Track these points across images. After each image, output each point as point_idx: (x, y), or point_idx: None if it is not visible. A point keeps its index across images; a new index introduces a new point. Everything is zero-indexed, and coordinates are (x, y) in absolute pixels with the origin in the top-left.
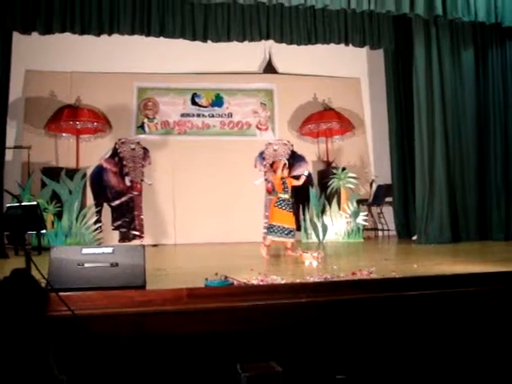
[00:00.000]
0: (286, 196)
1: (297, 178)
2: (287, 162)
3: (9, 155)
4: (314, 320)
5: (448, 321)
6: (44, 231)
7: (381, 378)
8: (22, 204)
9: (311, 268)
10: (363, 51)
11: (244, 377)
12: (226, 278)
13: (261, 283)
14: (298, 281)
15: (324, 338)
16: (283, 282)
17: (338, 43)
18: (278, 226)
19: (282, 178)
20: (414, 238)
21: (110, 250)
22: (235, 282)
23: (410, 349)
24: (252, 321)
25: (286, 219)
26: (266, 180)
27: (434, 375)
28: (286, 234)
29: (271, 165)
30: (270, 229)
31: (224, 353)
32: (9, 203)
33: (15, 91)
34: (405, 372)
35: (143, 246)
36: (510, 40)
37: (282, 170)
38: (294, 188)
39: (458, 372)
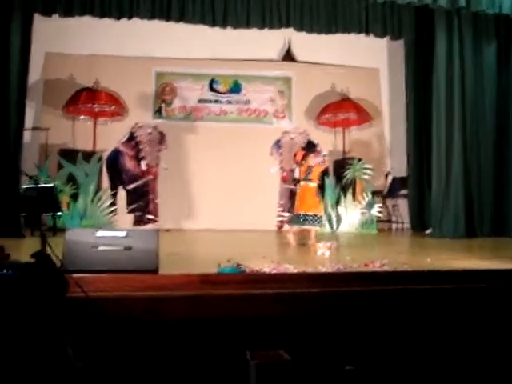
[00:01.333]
0: None
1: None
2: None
3: (27, 136)
4: (325, 310)
5: (459, 316)
6: (60, 213)
7: (389, 370)
8: (39, 186)
9: (324, 258)
10: (383, 42)
11: (253, 364)
12: (238, 265)
13: (273, 271)
14: (310, 270)
15: (334, 329)
16: (295, 271)
17: (359, 33)
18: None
19: (309, 167)
20: (428, 231)
21: (123, 233)
22: (247, 270)
23: (419, 342)
24: (263, 309)
25: None
26: (281, 168)
27: (441, 369)
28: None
29: (295, 155)
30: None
31: (234, 339)
32: (26, 184)
33: (35, 73)
34: (413, 365)
35: (157, 231)
36: None
37: (305, 159)
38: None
39: (466, 367)
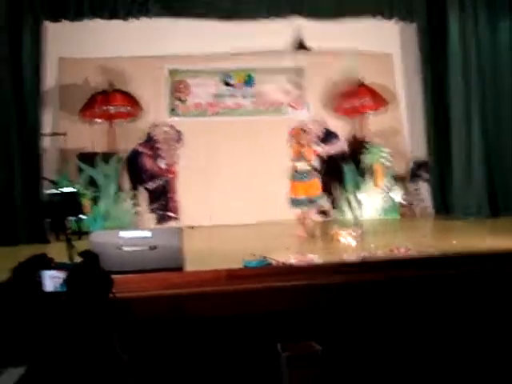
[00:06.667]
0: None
1: None
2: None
3: (46, 142)
4: (354, 299)
5: (488, 299)
6: (83, 216)
7: (423, 357)
8: (62, 191)
9: (348, 246)
10: (396, 26)
11: (284, 356)
12: (264, 257)
13: (299, 263)
14: (335, 259)
15: (363, 317)
16: (321, 261)
17: (371, 17)
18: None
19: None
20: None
21: (147, 233)
22: (273, 262)
23: (451, 327)
24: (291, 301)
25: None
26: None
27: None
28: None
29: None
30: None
31: (264, 333)
32: (49, 190)
33: (50, 79)
34: (446, 352)
35: (180, 229)
36: None
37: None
38: (328, 164)
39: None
